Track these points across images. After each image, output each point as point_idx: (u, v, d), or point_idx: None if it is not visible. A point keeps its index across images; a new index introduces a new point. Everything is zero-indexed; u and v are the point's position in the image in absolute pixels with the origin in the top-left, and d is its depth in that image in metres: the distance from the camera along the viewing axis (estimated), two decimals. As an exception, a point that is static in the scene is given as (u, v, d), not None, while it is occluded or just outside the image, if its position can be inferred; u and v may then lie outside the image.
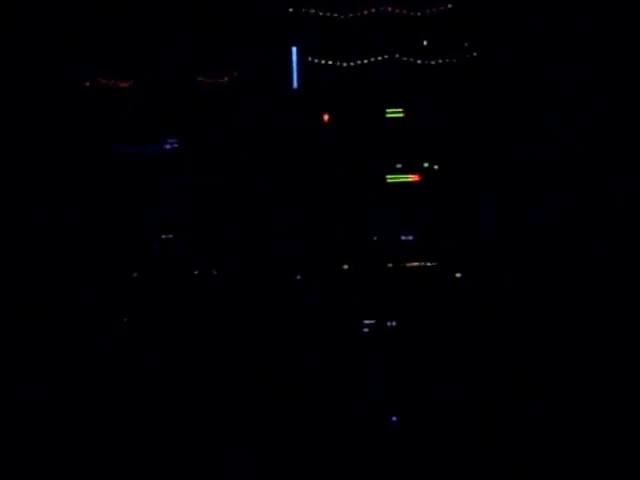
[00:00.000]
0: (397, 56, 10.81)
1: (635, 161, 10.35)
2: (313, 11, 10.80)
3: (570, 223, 10.42)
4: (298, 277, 10.61)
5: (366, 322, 10.46)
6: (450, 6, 10.76)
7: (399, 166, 10.81)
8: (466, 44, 10.78)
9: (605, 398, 9.69)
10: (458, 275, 10.54)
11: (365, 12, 10.79)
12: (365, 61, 10.82)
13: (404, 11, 10.80)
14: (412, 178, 10.78)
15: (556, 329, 10.09)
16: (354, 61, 10.83)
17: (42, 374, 10.12)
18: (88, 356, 10.28)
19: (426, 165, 10.79)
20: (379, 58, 10.81)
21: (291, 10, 10.78)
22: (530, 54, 10.62)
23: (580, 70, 10.51)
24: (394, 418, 9.87)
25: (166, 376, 10.20)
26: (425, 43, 10.84)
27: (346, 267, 10.66)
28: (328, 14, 10.82)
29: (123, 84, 10.80)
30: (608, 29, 10.43)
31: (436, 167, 10.78)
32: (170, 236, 10.76)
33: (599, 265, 10.28)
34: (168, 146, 10.84)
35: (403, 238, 10.71)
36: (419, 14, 10.80)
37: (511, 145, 10.61)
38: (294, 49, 10.76)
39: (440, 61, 10.81)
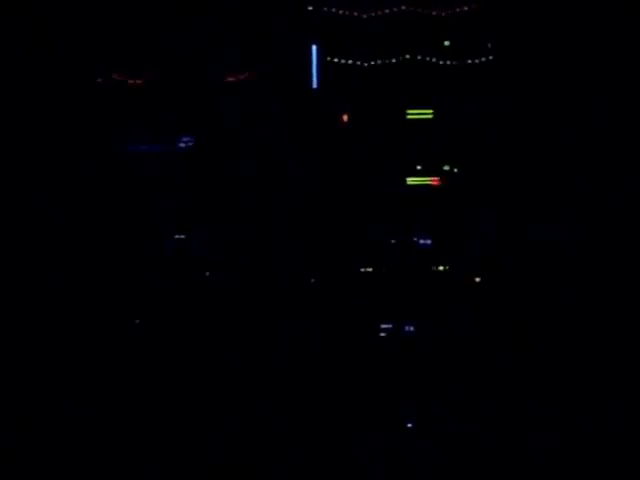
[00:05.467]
0: (418, 57, 10.58)
1: None
2: (333, 10, 10.60)
3: (595, 230, 10.20)
4: (313, 280, 10.34)
5: (383, 326, 10.19)
6: (473, 6, 10.54)
7: (419, 168, 10.56)
8: (489, 45, 10.56)
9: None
10: (477, 280, 10.27)
11: (386, 11, 10.59)
12: (386, 61, 10.60)
13: (426, 11, 10.59)
14: (432, 181, 10.53)
15: (576, 332, 9.85)
16: (375, 61, 10.62)
17: (50, 375, 9.93)
18: (97, 358, 10.06)
19: (446, 168, 10.53)
20: (400, 58, 10.59)
21: (310, 8, 10.58)
22: (554, 56, 10.41)
23: (606, 73, 10.29)
24: (410, 424, 9.62)
25: (175, 378, 9.99)
26: (447, 44, 10.62)
27: (363, 270, 10.39)
28: (348, 13, 10.62)
29: (137, 81, 10.62)
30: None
31: (456, 170, 10.52)
32: (182, 236, 10.53)
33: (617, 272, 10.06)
34: (182, 145, 10.64)
35: (421, 242, 10.44)
36: (442, 14, 10.59)
37: (533, 148, 10.38)
38: (314, 48, 10.55)
39: (462, 62, 10.58)
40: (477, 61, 10.56)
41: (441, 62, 10.60)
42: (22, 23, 10.46)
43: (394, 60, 10.62)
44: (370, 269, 10.40)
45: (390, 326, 10.17)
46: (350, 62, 10.64)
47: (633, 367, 9.69)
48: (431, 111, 10.59)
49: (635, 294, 9.93)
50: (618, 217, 10.12)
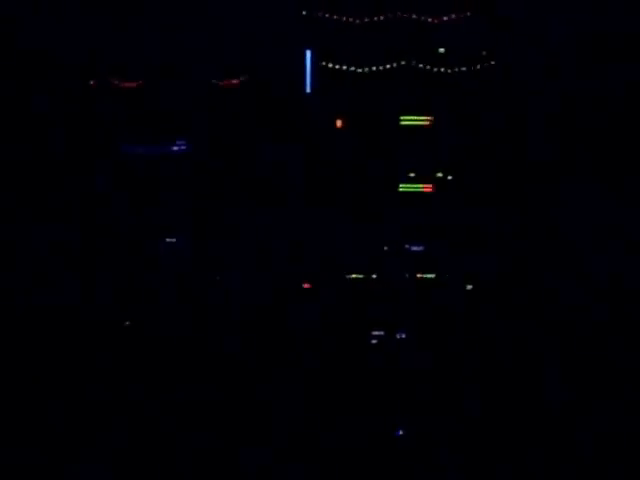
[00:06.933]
0: (413, 63, 10.57)
1: None
2: (328, 15, 10.58)
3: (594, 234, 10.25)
4: (308, 286, 10.34)
5: (374, 333, 10.19)
6: (468, 13, 10.53)
7: (412, 175, 10.55)
8: (484, 52, 10.56)
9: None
10: (469, 287, 10.28)
11: (381, 17, 10.57)
12: (380, 67, 10.58)
13: (421, 18, 10.57)
14: (425, 188, 10.53)
15: (568, 337, 9.90)
16: (369, 67, 10.60)
17: (43, 376, 9.94)
18: (89, 360, 10.06)
19: (439, 175, 10.53)
20: (394, 64, 10.58)
21: (305, 13, 10.55)
22: (548, 63, 10.43)
23: (601, 79, 10.33)
24: (400, 432, 9.62)
25: (169, 380, 9.99)
26: (442, 51, 10.61)
27: (355, 276, 10.39)
28: (344, 19, 10.60)
29: (133, 84, 10.60)
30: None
31: (449, 177, 10.52)
32: (174, 240, 10.51)
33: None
34: (177, 148, 10.61)
35: (414, 249, 10.43)
36: (436, 21, 10.58)
37: (526, 154, 10.41)
38: (308, 53, 10.52)
39: (456, 69, 10.57)
40: (472, 68, 10.56)
41: (435, 69, 10.59)
42: (20, 25, 10.49)
43: (388, 66, 10.60)
44: (362, 276, 10.39)
45: (382, 333, 10.18)
46: (344, 67, 10.61)
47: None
48: (425, 117, 10.58)
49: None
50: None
